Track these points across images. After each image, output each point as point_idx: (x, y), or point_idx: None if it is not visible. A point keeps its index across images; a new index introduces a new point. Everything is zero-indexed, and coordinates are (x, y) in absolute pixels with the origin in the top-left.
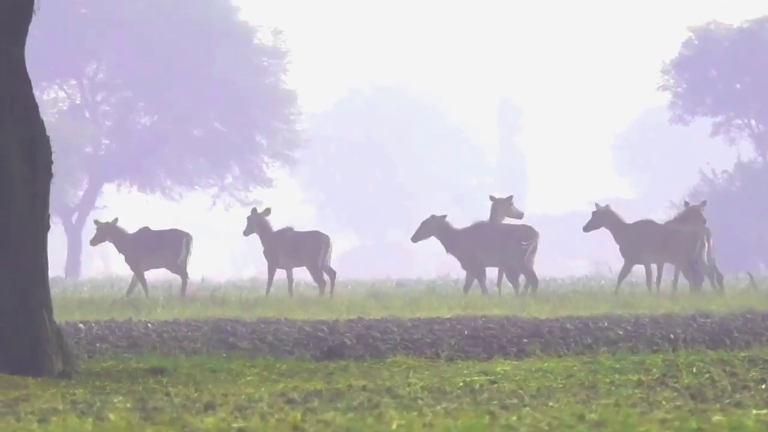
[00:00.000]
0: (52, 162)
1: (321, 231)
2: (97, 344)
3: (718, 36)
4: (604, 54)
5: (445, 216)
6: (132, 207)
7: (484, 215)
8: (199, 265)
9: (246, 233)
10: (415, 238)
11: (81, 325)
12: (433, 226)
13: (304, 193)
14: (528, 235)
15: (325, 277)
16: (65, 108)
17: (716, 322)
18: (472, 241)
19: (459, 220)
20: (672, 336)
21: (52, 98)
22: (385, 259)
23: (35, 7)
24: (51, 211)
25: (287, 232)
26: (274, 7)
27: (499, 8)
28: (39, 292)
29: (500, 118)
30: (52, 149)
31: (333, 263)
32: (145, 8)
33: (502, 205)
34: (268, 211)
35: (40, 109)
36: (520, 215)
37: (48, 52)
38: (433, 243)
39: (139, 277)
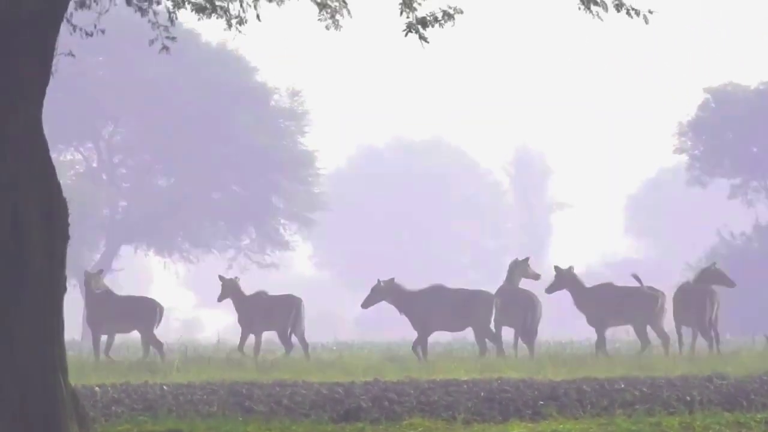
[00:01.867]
0: (68, 224)
1: (294, 294)
2: (113, 407)
3: (735, 98)
4: (619, 115)
5: (393, 279)
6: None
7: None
8: (215, 326)
9: (220, 299)
10: (366, 305)
11: (97, 389)
12: (384, 291)
13: (321, 255)
14: (486, 302)
15: (294, 339)
16: (82, 170)
17: (733, 385)
18: (428, 303)
19: (479, 283)
20: (688, 398)
21: (69, 160)
22: (402, 320)
23: (53, 69)
24: (67, 273)
25: (261, 295)
26: (292, 67)
27: (514, 71)
28: (54, 354)
29: (518, 180)
30: (69, 212)
31: (352, 326)
32: (163, 70)
33: (518, 267)
34: (238, 278)
35: (57, 172)
36: (536, 277)
37: (65, 114)
38: None
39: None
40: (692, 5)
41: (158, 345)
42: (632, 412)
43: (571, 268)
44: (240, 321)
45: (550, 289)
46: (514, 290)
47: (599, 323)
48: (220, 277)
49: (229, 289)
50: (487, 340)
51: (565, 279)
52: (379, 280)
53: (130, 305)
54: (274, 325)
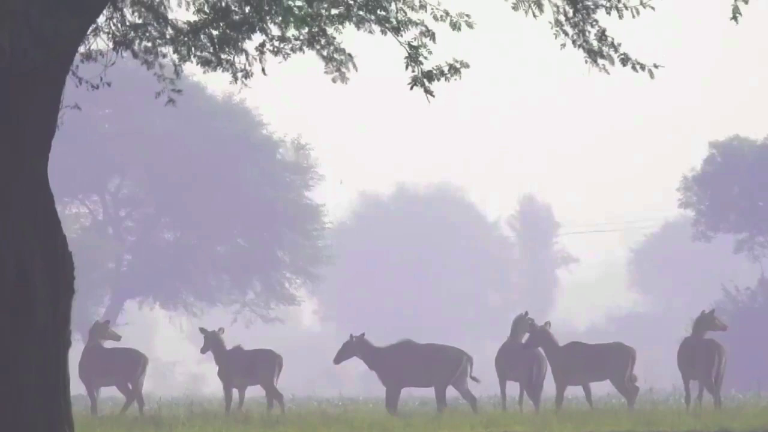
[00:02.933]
0: (74, 278)
1: (273, 350)
2: None
3: (741, 152)
4: (625, 168)
5: (363, 334)
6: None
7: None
8: (220, 381)
9: (203, 351)
10: (337, 360)
11: None
12: (355, 346)
13: (326, 309)
14: (456, 358)
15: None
16: (88, 223)
17: None
18: (396, 359)
19: (484, 337)
20: None
21: (75, 213)
22: None
23: (59, 122)
24: (72, 327)
25: (238, 351)
26: (297, 119)
27: (520, 122)
28: (60, 408)
29: (524, 233)
30: (75, 265)
31: (358, 380)
32: (168, 123)
33: (521, 323)
34: (221, 330)
35: (63, 225)
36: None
37: (71, 166)
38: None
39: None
40: (697, 59)
41: (140, 398)
42: None
43: (546, 324)
44: (219, 375)
45: (525, 347)
46: (518, 345)
47: (562, 381)
48: (201, 330)
49: (210, 342)
50: (466, 395)
51: (537, 336)
52: (351, 336)
53: (114, 357)
54: (253, 380)
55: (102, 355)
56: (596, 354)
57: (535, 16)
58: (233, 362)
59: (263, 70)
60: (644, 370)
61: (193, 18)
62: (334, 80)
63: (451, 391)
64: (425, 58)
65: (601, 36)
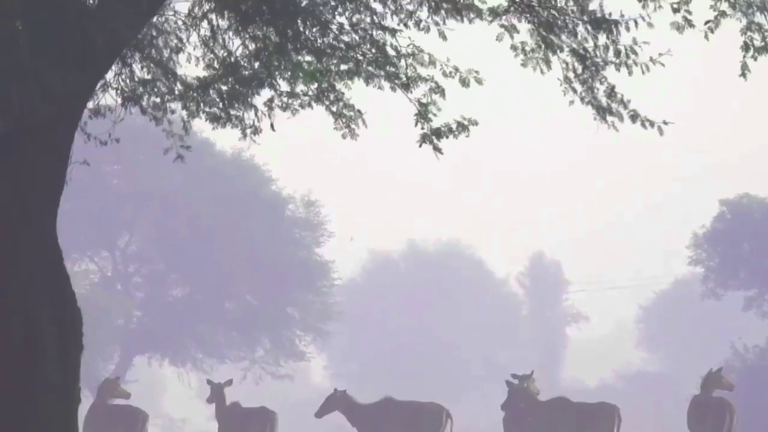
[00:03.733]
0: (82, 334)
1: (268, 407)
2: None
3: (750, 209)
4: (634, 225)
5: (345, 390)
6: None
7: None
8: None
9: (209, 401)
10: (319, 414)
11: None
12: (337, 401)
13: (336, 366)
14: (436, 415)
15: None
16: (97, 280)
17: None
18: (377, 416)
19: (492, 396)
20: None
21: (83, 270)
22: None
23: (67, 178)
24: (81, 383)
25: (235, 407)
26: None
27: (530, 178)
28: None
29: (533, 291)
30: (83, 321)
31: None
32: (177, 179)
33: (521, 382)
34: (229, 382)
35: (72, 281)
36: (536, 392)
37: (80, 223)
38: (466, 419)
39: None
40: (707, 116)
41: None
42: None
43: (526, 378)
44: (219, 430)
45: (504, 407)
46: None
47: None
48: (208, 381)
49: (215, 394)
50: None
51: (516, 394)
52: (335, 389)
53: (115, 414)
54: None
55: (105, 412)
56: (580, 413)
57: (543, 72)
58: (229, 418)
59: (272, 125)
60: (654, 428)
61: (202, 73)
62: (343, 137)
63: None
64: (434, 115)
65: (611, 93)
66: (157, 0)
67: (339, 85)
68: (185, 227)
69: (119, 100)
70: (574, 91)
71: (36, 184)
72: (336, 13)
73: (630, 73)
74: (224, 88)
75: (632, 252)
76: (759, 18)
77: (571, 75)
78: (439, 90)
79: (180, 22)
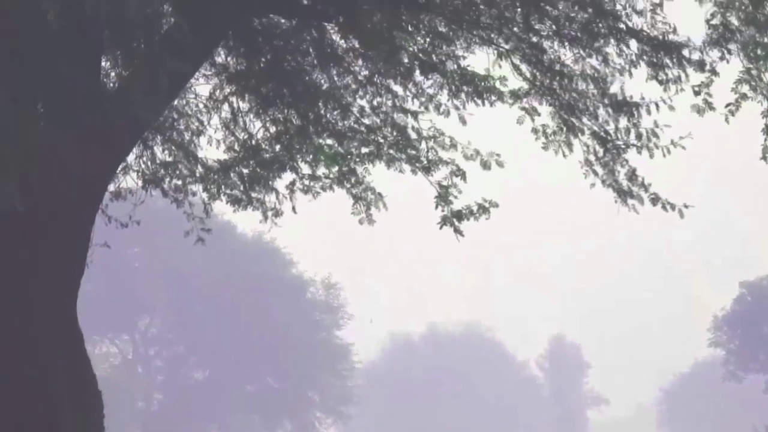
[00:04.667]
0: (103, 416)
1: None
2: None
3: None
4: (654, 308)
5: None
6: None
7: None
8: None
9: None
10: None
11: None
12: None
13: None
14: None
15: None
16: (117, 362)
17: None
18: None
19: None
20: None
21: (105, 352)
22: None
23: (88, 260)
24: None
25: None
26: (328, 257)
27: (550, 260)
28: None
29: (553, 374)
30: (104, 404)
31: None
32: (198, 261)
33: None
34: None
35: (92, 364)
36: None
37: (100, 305)
38: None
39: None
40: (727, 199)
41: None
42: None
43: None
44: None
45: None
46: None
47: None
48: None
49: None
50: None
51: None
52: None
53: None
54: None
55: None
56: None
57: (564, 155)
58: None
59: (294, 208)
60: None
61: (224, 156)
62: (360, 222)
63: None
64: (455, 197)
65: (632, 176)
66: (178, 83)
67: (360, 168)
68: (206, 310)
69: (140, 183)
70: (595, 173)
71: (56, 266)
72: (357, 96)
73: (651, 155)
74: (245, 170)
75: (652, 334)
76: None
77: (592, 158)
78: (460, 173)
79: (201, 105)
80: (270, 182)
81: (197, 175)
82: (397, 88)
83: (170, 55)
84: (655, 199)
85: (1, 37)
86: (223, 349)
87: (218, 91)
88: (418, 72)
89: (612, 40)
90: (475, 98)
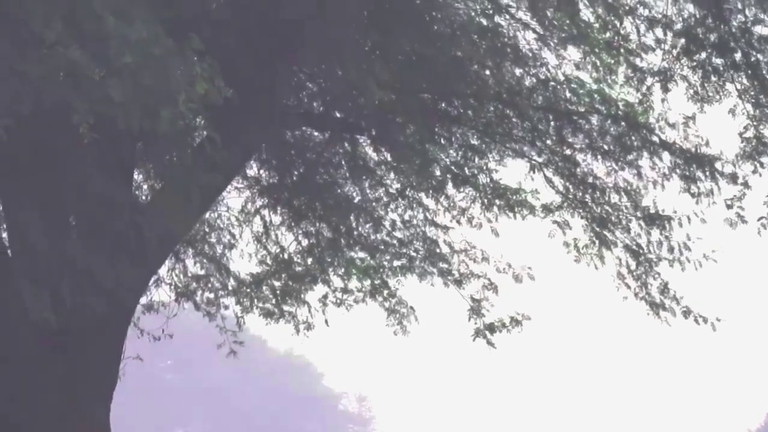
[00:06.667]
0: None
1: None
2: None
3: None
4: (683, 422)
5: None
6: None
7: None
8: None
9: None
10: None
11: None
12: None
13: None
14: None
15: None
16: None
17: None
18: None
19: None
20: None
21: None
22: None
23: (120, 373)
24: None
25: None
26: (359, 370)
27: (582, 373)
28: None
29: None
30: None
31: None
32: (230, 375)
33: None
34: None
35: None
36: None
37: (132, 418)
38: None
39: None
40: (759, 310)
41: None
42: None
43: None
44: None
45: None
46: None
47: None
48: None
49: None
50: None
51: None
52: None
53: None
54: None
55: None
56: None
57: (597, 268)
58: None
59: (326, 321)
60: None
61: (256, 269)
62: (395, 333)
63: None
64: (487, 310)
65: (664, 289)
66: (210, 196)
67: (392, 282)
68: (238, 424)
69: (172, 296)
70: (628, 287)
71: (88, 379)
72: (389, 209)
73: (683, 269)
74: (277, 283)
75: None
76: None
77: (624, 271)
78: (492, 287)
79: (233, 218)
80: (302, 295)
81: (229, 288)
82: (429, 202)
83: (202, 168)
84: (687, 313)
85: (33, 150)
86: None
87: (250, 204)
88: (450, 185)
89: (645, 153)
90: (507, 211)
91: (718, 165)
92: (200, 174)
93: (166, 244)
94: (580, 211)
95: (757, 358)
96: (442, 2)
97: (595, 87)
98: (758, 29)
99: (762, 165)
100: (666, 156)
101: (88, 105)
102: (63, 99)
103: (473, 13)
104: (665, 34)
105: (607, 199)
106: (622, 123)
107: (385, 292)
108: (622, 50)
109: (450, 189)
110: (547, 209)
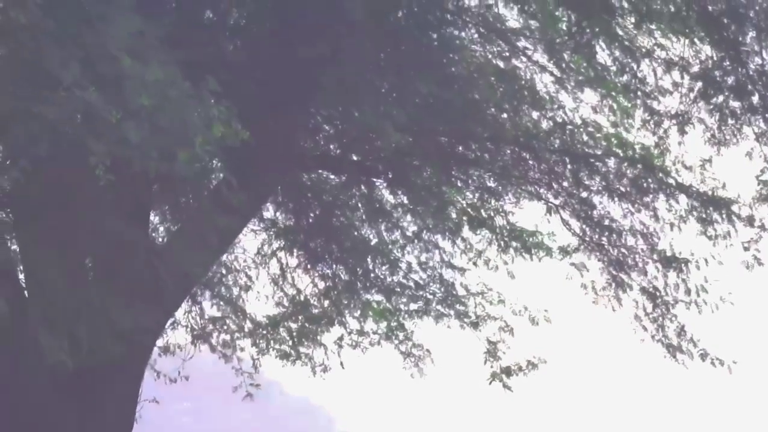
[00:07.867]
0: None
1: None
2: None
3: None
4: None
5: None
6: None
7: None
8: None
9: None
10: None
11: None
12: None
13: None
14: None
15: None
16: None
17: None
18: None
19: None
20: None
21: None
22: None
23: (136, 416)
24: None
25: None
26: (373, 413)
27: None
28: None
29: None
30: None
31: None
32: (245, 418)
33: None
34: None
35: None
36: None
37: None
38: None
39: None
40: None
41: None
42: None
43: None
44: None
45: None
46: None
47: None
48: None
49: None
50: None
51: None
52: None
53: None
54: None
55: None
56: None
57: (614, 310)
58: None
59: (342, 363)
60: None
61: (272, 311)
62: (412, 376)
63: None
64: (503, 353)
65: (681, 331)
66: (226, 238)
67: (408, 324)
68: None
69: (189, 338)
70: (645, 329)
71: (104, 422)
72: (405, 251)
73: (700, 311)
74: (294, 325)
75: None
76: None
77: (641, 313)
78: (509, 329)
79: (249, 260)
80: (318, 337)
81: (246, 330)
82: (446, 244)
83: (219, 210)
84: (704, 355)
85: (50, 192)
86: None
87: (266, 246)
88: (466, 227)
89: (661, 196)
90: (524, 254)
91: (734, 208)
92: (216, 216)
93: (183, 286)
94: (597, 253)
95: None
96: (458, 45)
97: (612, 131)
98: None
99: None
100: (683, 198)
101: (105, 147)
102: (80, 141)
103: (490, 56)
104: (682, 77)
105: (623, 241)
106: (639, 165)
107: (401, 334)
108: (639, 93)
109: (466, 231)
110: (564, 252)
